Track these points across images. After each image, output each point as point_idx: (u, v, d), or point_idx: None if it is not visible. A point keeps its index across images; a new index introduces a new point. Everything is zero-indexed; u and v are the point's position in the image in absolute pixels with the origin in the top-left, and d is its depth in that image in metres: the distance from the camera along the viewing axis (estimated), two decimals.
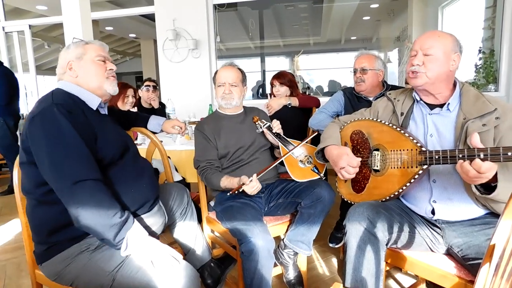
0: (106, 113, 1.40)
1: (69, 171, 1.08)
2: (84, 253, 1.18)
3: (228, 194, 1.59)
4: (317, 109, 2.42)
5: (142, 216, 1.31)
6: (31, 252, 1.33)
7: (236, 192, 1.54)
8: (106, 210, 1.09)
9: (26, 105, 5.18)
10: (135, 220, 1.18)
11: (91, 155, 1.15)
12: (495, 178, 1.06)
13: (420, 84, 1.32)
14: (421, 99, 1.38)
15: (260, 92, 5.93)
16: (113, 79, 1.39)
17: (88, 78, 1.32)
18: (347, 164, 1.41)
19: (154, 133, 1.83)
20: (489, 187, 1.10)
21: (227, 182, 1.64)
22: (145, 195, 1.33)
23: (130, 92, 2.71)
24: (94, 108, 1.31)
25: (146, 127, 1.82)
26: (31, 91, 5.18)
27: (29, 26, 5.01)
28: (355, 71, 2.17)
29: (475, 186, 1.13)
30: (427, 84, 1.31)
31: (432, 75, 1.28)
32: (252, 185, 1.52)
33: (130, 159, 1.34)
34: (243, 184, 1.52)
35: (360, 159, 1.43)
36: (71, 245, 1.19)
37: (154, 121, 1.84)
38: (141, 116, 1.86)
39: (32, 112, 1.16)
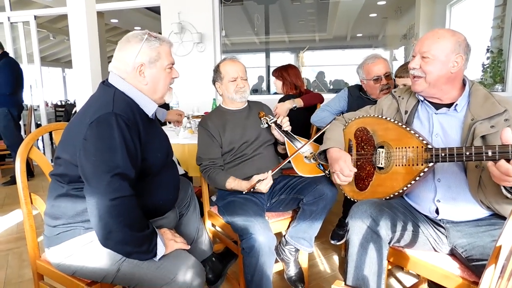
0: (153, 117, 1.33)
1: (106, 186, 1.05)
2: (93, 243, 1.18)
3: (244, 192, 1.59)
4: (321, 105, 2.40)
5: (157, 218, 1.33)
6: (32, 242, 1.34)
7: (252, 189, 1.57)
8: (140, 225, 1.10)
9: (31, 96, 5.19)
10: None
11: (134, 171, 1.11)
12: None
13: (419, 91, 1.31)
14: (425, 99, 1.36)
15: (263, 87, 5.91)
16: (171, 89, 1.34)
17: (156, 87, 1.26)
18: (339, 170, 1.42)
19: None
20: None
21: (235, 184, 1.64)
22: (170, 205, 1.37)
23: None
24: (150, 115, 1.26)
25: None
26: (36, 83, 5.19)
27: (35, 16, 5.01)
28: (378, 79, 2.04)
29: (506, 188, 1.08)
30: (428, 89, 1.29)
31: (430, 78, 1.26)
32: (267, 182, 1.55)
33: (168, 167, 1.34)
34: (259, 180, 1.54)
35: (354, 169, 1.43)
36: (84, 234, 1.18)
37: (160, 110, 1.86)
38: None
39: (91, 117, 1.09)
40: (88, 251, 1.18)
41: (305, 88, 2.80)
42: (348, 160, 1.44)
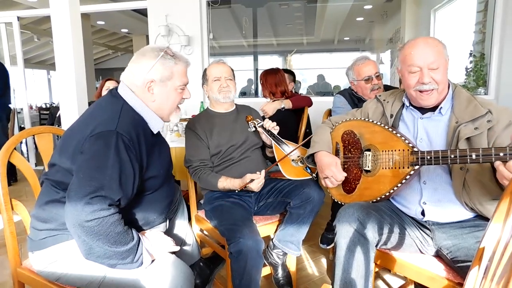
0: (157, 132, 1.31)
1: (87, 207, 1.01)
2: (76, 250, 1.15)
3: (237, 191, 1.61)
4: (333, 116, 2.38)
5: (147, 227, 1.30)
6: (13, 250, 1.30)
7: (244, 188, 1.59)
8: (123, 240, 1.06)
9: (14, 98, 5.07)
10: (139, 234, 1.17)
11: (121, 195, 1.07)
12: None
13: (433, 103, 1.28)
14: (410, 105, 1.37)
15: (253, 90, 5.91)
16: (179, 110, 1.32)
17: (163, 106, 1.23)
18: (331, 176, 1.43)
19: None
20: None
21: (227, 183, 1.64)
22: (163, 218, 1.34)
23: (110, 84, 2.68)
24: (155, 132, 1.24)
25: None
26: (19, 85, 5.07)
27: (18, 18, 4.90)
28: (368, 79, 2.07)
29: None
30: (439, 99, 1.28)
31: (441, 88, 1.26)
32: (259, 181, 1.57)
33: (167, 182, 1.32)
34: (252, 180, 1.55)
35: (345, 174, 1.44)
36: (70, 240, 1.15)
37: None
38: None
39: (93, 130, 1.07)
40: (73, 257, 1.15)
41: (293, 91, 2.81)
42: (339, 165, 1.45)
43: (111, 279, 1.12)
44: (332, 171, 1.43)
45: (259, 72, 6.05)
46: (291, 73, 3.35)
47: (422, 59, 1.23)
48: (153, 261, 1.15)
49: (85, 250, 1.05)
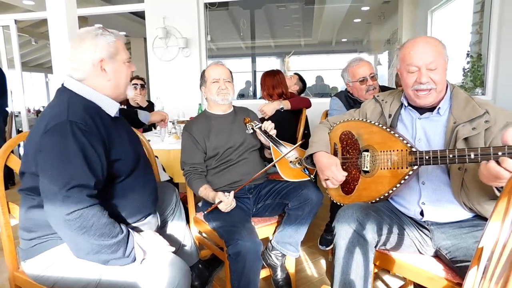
0: (118, 115, 1.30)
1: (63, 201, 1.01)
2: (69, 252, 1.14)
3: (204, 213, 1.61)
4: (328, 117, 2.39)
5: (137, 223, 1.29)
6: (10, 253, 1.29)
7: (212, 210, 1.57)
8: (109, 233, 1.05)
9: (11, 102, 5.05)
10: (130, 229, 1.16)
11: (94, 180, 1.07)
12: None
13: (431, 102, 1.29)
14: (409, 105, 1.37)
15: (251, 92, 5.92)
16: (130, 83, 1.32)
17: (119, 82, 1.23)
18: (331, 177, 1.42)
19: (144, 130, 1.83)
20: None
21: (204, 193, 1.64)
22: (148, 209, 1.32)
23: None
24: (113, 115, 1.23)
25: (136, 121, 1.79)
26: (16, 88, 5.06)
27: (15, 21, 4.90)
28: (363, 79, 2.07)
29: (498, 189, 1.09)
30: (437, 98, 1.29)
31: (440, 88, 1.26)
32: (228, 202, 1.53)
33: (141, 169, 1.30)
34: (220, 202, 1.53)
35: (345, 173, 1.43)
36: (60, 244, 1.15)
37: (142, 113, 1.84)
38: (128, 112, 1.84)
39: (46, 126, 1.06)
40: (67, 261, 1.14)
41: (290, 92, 2.81)
42: (339, 165, 1.45)
43: (107, 281, 1.11)
44: (332, 172, 1.42)
45: (257, 74, 6.07)
46: (301, 79, 3.35)
47: (421, 58, 1.24)
48: (143, 260, 1.13)
49: (74, 248, 1.05)
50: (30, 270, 1.18)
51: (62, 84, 1.20)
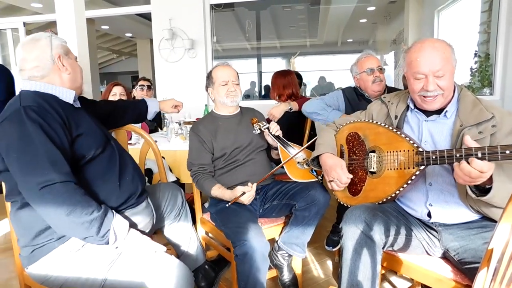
0: (79, 106, 1.34)
1: (34, 176, 1.05)
2: (72, 254, 1.16)
3: (227, 205, 1.58)
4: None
5: (129, 212, 1.29)
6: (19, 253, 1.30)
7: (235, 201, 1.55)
8: (81, 210, 1.07)
9: None
10: (114, 212, 1.17)
11: (61, 157, 1.09)
12: (489, 180, 1.05)
13: (438, 108, 1.28)
14: (415, 107, 1.37)
15: (257, 92, 5.92)
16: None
17: (76, 76, 1.32)
18: (336, 178, 1.42)
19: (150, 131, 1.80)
20: (483, 189, 1.09)
21: (219, 192, 1.63)
22: (130, 189, 1.31)
23: (117, 89, 2.65)
24: (71, 102, 1.27)
25: (142, 116, 1.78)
26: None
27: (23, 23, 4.96)
28: (371, 70, 2.07)
29: (471, 189, 1.12)
30: (444, 103, 1.28)
31: (447, 93, 1.25)
32: (250, 194, 1.54)
33: (112, 152, 1.32)
34: (244, 193, 1.53)
35: (351, 176, 1.43)
36: (57, 246, 1.16)
37: (151, 103, 1.81)
38: (133, 104, 1.79)
39: (1, 117, 1.12)
40: (71, 262, 1.15)
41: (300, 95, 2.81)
42: (344, 167, 1.44)
43: (112, 282, 1.12)
44: (338, 173, 1.42)
45: (263, 75, 6.08)
46: (298, 75, 3.36)
47: (428, 66, 1.21)
48: (116, 246, 1.15)
49: (53, 225, 1.10)
50: (35, 275, 1.19)
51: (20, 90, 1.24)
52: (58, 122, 1.14)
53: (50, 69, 1.23)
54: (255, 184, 1.57)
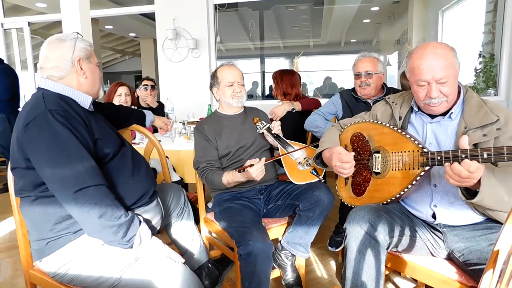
0: (93, 109, 1.35)
1: (69, 180, 1.07)
2: (89, 249, 1.16)
3: (236, 170, 1.56)
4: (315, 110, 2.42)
5: (141, 210, 1.31)
6: (25, 251, 1.31)
7: (242, 170, 1.51)
8: (111, 213, 1.09)
9: (24, 102, 5.15)
10: (140, 219, 1.20)
11: (92, 160, 1.12)
12: (479, 184, 1.05)
13: (442, 112, 1.28)
14: (419, 110, 1.36)
15: (260, 92, 5.91)
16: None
17: (95, 81, 1.32)
18: (338, 160, 1.39)
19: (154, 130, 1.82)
20: (472, 193, 1.10)
21: (230, 177, 1.60)
22: (145, 186, 1.34)
23: (122, 90, 2.66)
24: (87, 108, 1.28)
25: (141, 124, 1.81)
26: (29, 90, 5.14)
27: (28, 23, 4.99)
28: (358, 75, 2.12)
29: (462, 191, 1.12)
30: (449, 106, 1.27)
31: (451, 98, 1.25)
32: (259, 167, 1.49)
33: (127, 152, 1.34)
34: (251, 165, 1.49)
35: (353, 153, 1.42)
36: (73, 239, 1.17)
37: (146, 112, 1.87)
38: (136, 112, 1.83)
39: (25, 119, 1.11)
40: (86, 258, 1.16)
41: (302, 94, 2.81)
42: (342, 150, 1.41)
43: (126, 283, 1.14)
44: (337, 156, 1.39)
45: (266, 75, 6.07)
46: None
47: (431, 74, 1.20)
48: (138, 259, 1.17)
49: (83, 226, 1.13)
50: (47, 268, 1.20)
51: (37, 87, 1.25)
52: (83, 126, 1.16)
53: (68, 71, 1.24)
54: (263, 159, 1.53)
